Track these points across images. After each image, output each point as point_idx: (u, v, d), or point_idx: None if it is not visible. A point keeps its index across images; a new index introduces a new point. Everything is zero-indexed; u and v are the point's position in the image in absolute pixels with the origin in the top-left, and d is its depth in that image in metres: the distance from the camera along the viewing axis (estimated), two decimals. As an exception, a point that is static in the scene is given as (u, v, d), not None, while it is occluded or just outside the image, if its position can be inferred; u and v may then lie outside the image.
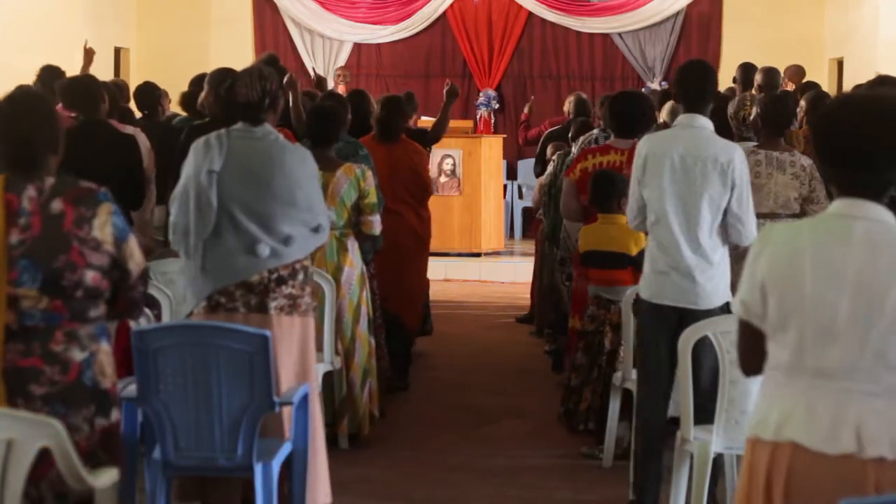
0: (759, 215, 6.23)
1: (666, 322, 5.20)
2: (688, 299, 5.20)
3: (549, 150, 9.20)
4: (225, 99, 4.92)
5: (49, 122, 3.61)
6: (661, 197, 5.21)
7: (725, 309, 5.19)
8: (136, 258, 3.64)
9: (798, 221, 3.10)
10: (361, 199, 6.43)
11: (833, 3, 15.98)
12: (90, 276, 3.52)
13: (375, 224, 6.47)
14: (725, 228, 5.24)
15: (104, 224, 3.53)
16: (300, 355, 4.91)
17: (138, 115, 9.10)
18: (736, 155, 5.23)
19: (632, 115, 6.61)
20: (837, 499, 2.76)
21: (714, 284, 5.22)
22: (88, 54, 8.80)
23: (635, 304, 5.46)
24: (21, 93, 3.79)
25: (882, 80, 6.71)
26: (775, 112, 6.43)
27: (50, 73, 8.08)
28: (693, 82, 5.32)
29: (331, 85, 15.32)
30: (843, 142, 2.95)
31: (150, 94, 9.03)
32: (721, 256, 5.25)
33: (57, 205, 3.51)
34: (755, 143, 6.50)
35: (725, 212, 5.21)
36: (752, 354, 3.06)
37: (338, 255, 6.43)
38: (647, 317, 5.31)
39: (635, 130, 6.55)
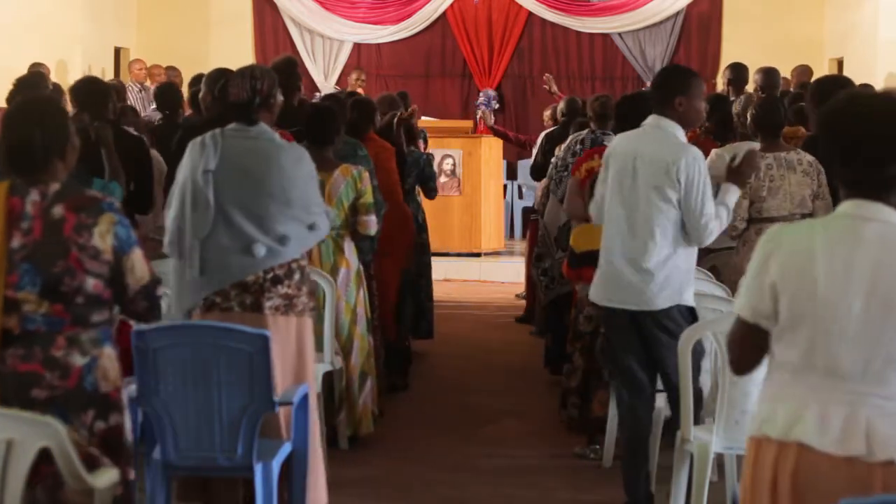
0: (778, 218, 6.25)
1: (618, 323, 5.25)
2: (631, 302, 5.21)
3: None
4: (218, 99, 4.94)
5: (52, 127, 3.59)
6: (609, 197, 5.28)
7: (679, 310, 5.17)
8: (136, 273, 3.59)
9: (806, 222, 3.08)
10: (358, 199, 6.43)
11: (833, 3, 15.98)
12: (91, 284, 3.51)
13: (371, 224, 6.47)
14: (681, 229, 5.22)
15: (105, 233, 3.51)
16: (296, 356, 4.88)
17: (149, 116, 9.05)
18: (684, 155, 5.13)
19: (638, 116, 6.64)
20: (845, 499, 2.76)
21: (662, 286, 5.16)
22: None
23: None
24: (27, 98, 3.79)
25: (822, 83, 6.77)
26: (767, 114, 6.49)
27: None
28: (657, 85, 5.41)
29: (331, 88, 15.33)
30: (851, 140, 2.92)
31: (173, 94, 8.95)
32: (672, 257, 5.18)
33: (58, 210, 3.51)
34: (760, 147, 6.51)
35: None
36: (751, 355, 3.06)
37: (334, 256, 6.44)
38: (603, 320, 5.40)
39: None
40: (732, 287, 5.55)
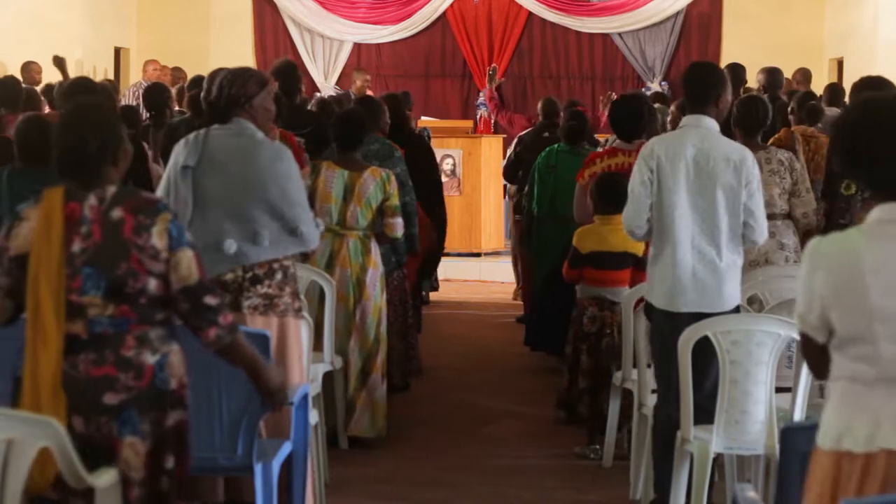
0: None
1: (679, 327, 5.03)
2: (704, 304, 5.10)
3: None
4: (198, 100, 4.99)
5: (102, 132, 3.57)
6: (676, 199, 5.13)
7: (738, 310, 5.16)
8: (179, 271, 3.53)
9: (845, 232, 3.04)
10: (385, 200, 6.52)
11: (833, 3, 15.99)
12: (153, 284, 3.50)
13: (398, 226, 6.55)
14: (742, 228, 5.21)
15: (162, 232, 3.50)
16: (277, 358, 4.82)
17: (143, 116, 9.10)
18: (747, 153, 5.20)
19: (632, 117, 6.71)
20: None
21: (731, 287, 5.15)
22: (60, 63, 9.45)
23: (646, 309, 5.36)
24: (79, 103, 3.76)
25: (865, 84, 6.75)
26: (747, 114, 6.48)
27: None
28: (697, 83, 5.31)
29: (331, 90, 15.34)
30: (874, 144, 2.95)
31: (159, 95, 9.02)
32: (736, 258, 5.18)
33: (117, 213, 3.50)
34: None
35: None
36: (819, 362, 3.07)
37: (362, 257, 6.53)
38: (663, 326, 5.19)
39: (638, 131, 6.69)
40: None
